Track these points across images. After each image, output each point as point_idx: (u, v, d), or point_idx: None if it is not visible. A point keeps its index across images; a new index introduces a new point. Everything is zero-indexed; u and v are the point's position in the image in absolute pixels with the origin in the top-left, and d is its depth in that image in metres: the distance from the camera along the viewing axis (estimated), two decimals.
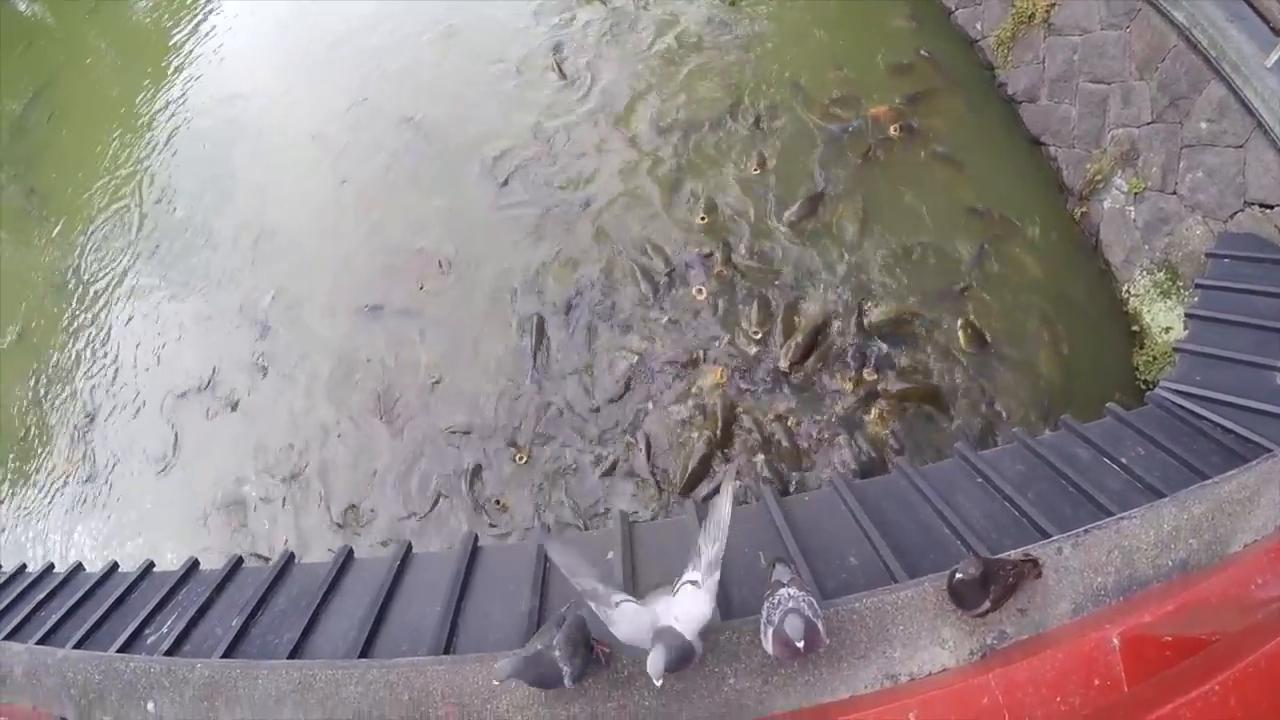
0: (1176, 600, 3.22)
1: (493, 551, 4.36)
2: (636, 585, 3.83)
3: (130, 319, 9.54)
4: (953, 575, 3.03)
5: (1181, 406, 5.38)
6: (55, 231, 10.81)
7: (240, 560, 4.87)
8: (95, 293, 9.93)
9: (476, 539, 4.39)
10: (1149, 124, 7.06)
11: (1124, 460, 4.71)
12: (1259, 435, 4.85)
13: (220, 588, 4.61)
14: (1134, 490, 4.49)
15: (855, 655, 3.04)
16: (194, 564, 4.95)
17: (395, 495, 7.36)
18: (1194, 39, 6.49)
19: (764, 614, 2.81)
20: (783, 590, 2.81)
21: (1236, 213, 6.27)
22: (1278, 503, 3.80)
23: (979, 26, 9.55)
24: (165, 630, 4.33)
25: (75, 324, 9.75)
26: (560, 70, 10.25)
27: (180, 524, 7.78)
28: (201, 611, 4.40)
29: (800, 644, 2.62)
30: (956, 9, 9.99)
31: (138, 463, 8.32)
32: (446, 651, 3.58)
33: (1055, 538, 3.53)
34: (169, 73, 12.68)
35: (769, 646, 2.78)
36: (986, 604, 2.99)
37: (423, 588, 4.14)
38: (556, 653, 2.74)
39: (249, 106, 11.47)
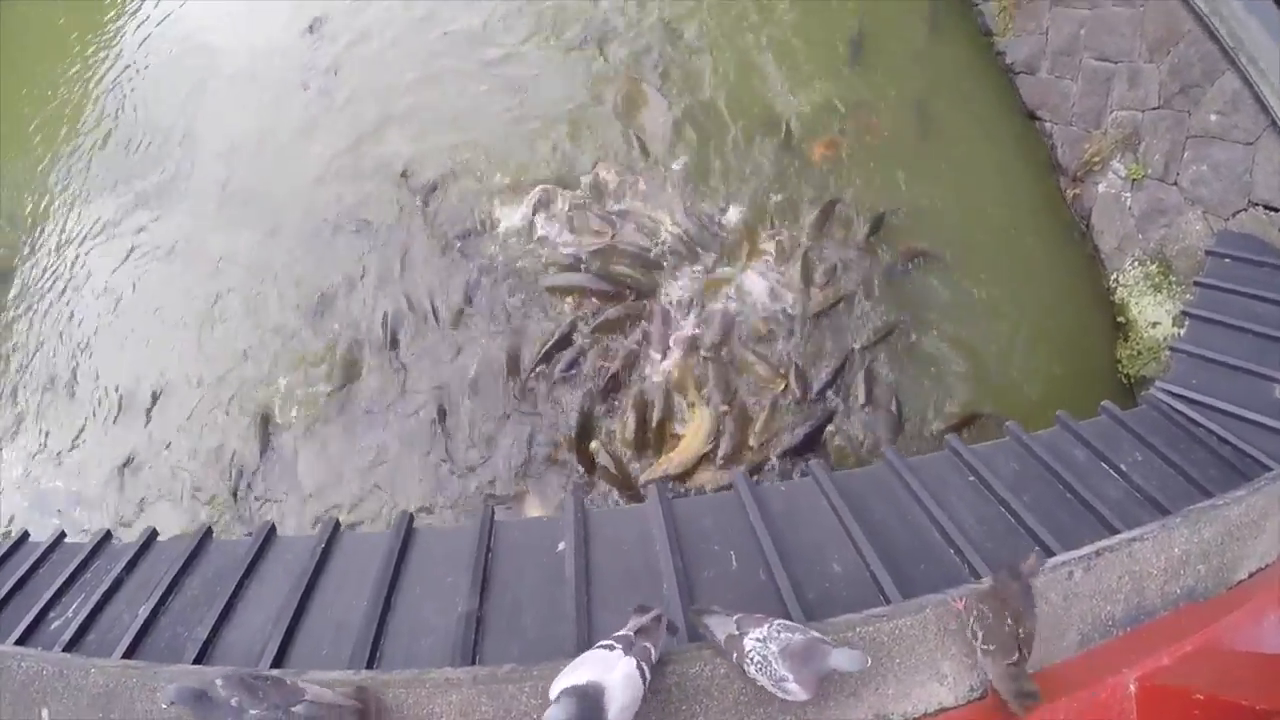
0: (1193, 641, 2.95)
1: (430, 535, 3.86)
2: (591, 584, 3.38)
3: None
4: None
5: (1178, 410, 5.16)
6: None
7: (155, 533, 4.36)
8: None
9: (411, 519, 3.90)
10: (1155, 109, 6.73)
11: (1122, 467, 4.48)
12: (1258, 450, 4.69)
13: (132, 564, 4.10)
14: (1133, 501, 4.26)
15: (845, 693, 2.64)
16: (106, 535, 4.45)
17: None
18: (1212, 26, 6.16)
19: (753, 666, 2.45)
20: (750, 642, 2.46)
21: (1239, 211, 6.01)
22: None
23: None
24: (70, 614, 3.84)
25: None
26: None
27: None
28: (110, 593, 3.90)
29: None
30: None
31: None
32: (370, 662, 3.11)
33: (1064, 559, 3.20)
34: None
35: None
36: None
37: (350, 576, 3.66)
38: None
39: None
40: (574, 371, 6.73)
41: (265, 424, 6.91)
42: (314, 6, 9.91)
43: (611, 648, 2.39)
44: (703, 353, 6.73)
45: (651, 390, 6.61)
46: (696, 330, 6.87)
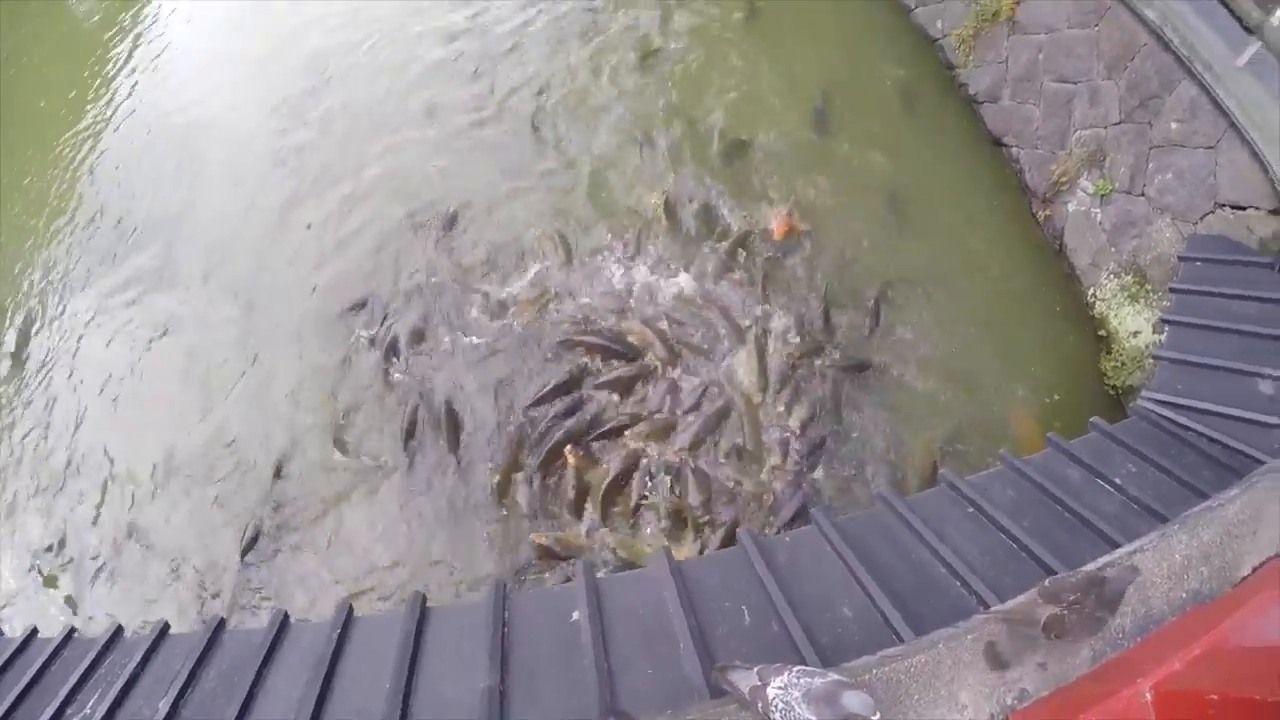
0: (1201, 644, 3.01)
1: (445, 613, 3.88)
2: (610, 650, 3.42)
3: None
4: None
5: (1166, 417, 5.25)
6: None
7: (167, 626, 4.34)
8: None
9: (425, 600, 3.92)
10: (1117, 124, 6.91)
11: (1117, 480, 4.55)
12: (1248, 445, 4.77)
13: (146, 659, 4.09)
14: (1131, 512, 4.33)
15: None
16: (118, 631, 4.42)
17: None
18: (1165, 37, 6.37)
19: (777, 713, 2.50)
20: (773, 690, 2.53)
21: (1207, 214, 6.15)
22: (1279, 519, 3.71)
23: (939, 25, 9.33)
24: (89, 712, 3.82)
25: None
26: None
27: None
28: (127, 688, 3.89)
29: None
30: (915, 7, 9.78)
31: None
32: None
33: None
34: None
35: None
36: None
37: (368, 657, 3.67)
38: None
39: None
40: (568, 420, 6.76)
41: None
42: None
43: None
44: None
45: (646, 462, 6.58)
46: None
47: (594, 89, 9.42)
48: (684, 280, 7.53)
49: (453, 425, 6.92)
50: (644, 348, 7.08)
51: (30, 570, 7.15)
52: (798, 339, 7.09)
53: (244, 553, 6.70)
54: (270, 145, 9.88)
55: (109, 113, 11.29)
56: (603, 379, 6.96)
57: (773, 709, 2.51)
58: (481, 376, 7.23)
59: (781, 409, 6.70)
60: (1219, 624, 3.11)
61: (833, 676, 2.52)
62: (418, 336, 7.58)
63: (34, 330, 8.87)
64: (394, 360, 7.47)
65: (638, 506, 6.37)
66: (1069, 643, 2.95)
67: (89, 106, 11.52)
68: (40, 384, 8.36)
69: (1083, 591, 2.88)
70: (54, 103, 11.74)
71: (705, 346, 7.11)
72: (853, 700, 2.38)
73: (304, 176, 9.39)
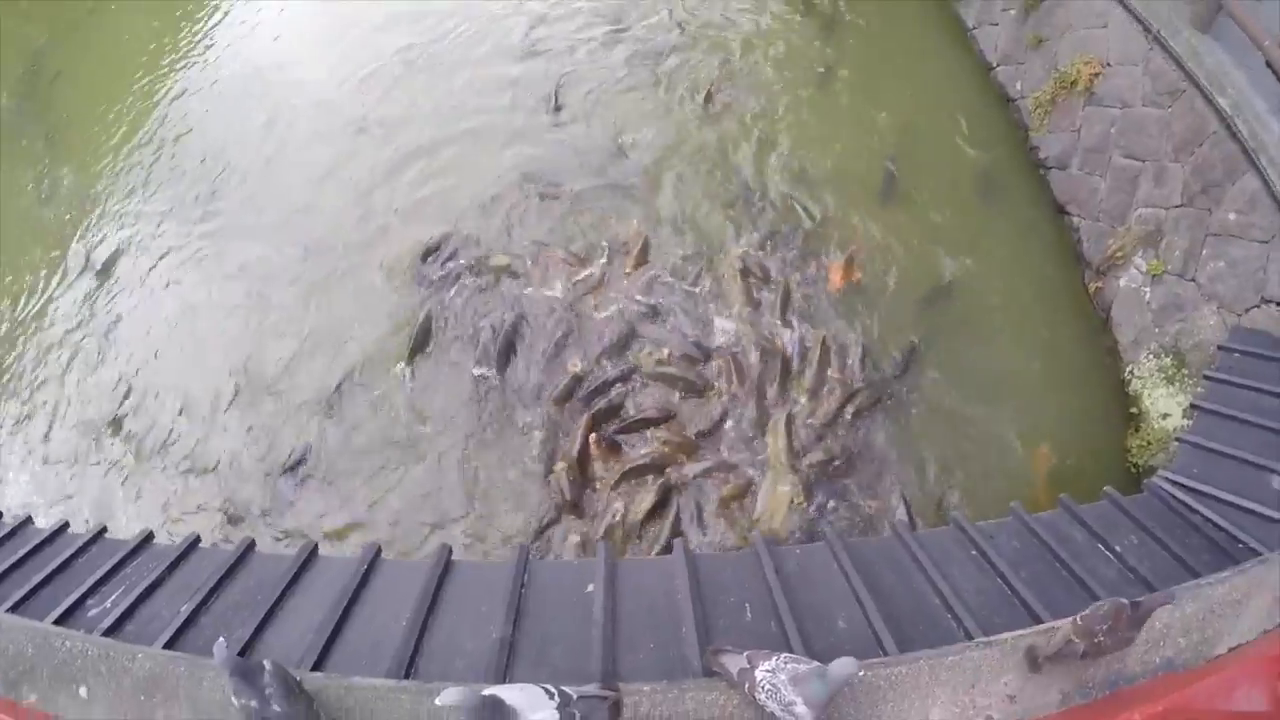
0: (1164, 701, 3.19)
1: (467, 568, 4.15)
2: (617, 624, 3.66)
3: None
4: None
5: (1178, 498, 5.33)
6: None
7: (197, 538, 4.63)
8: None
9: (450, 552, 4.18)
10: (1178, 207, 7.00)
11: (1118, 548, 4.66)
12: (1251, 537, 4.83)
13: (174, 566, 4.36)
14: (1126, 580, 4.44)
15: None
16: (149, 536, 4.71)
17: None
18: (1235, 127, 6.45)
19: (763, 694, 2.72)
20: (761, 673, 2.75)
21: (1253, 308, 6.22)
22: (1265, 609, 3.84)
23: (1019, 86, 9.46)
24: (109, 605, 4.08)
25: None
26: None
27: None
28: (151, 589, 4.15)
29: None
30: (998, 65, 9.91)
31: None
32: (408, 675, 3.38)
33: (1051, 625, 3.47)
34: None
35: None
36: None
37: (389, 598, 3.94)
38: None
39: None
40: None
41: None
42: None
43: (551, 695, 2.60)
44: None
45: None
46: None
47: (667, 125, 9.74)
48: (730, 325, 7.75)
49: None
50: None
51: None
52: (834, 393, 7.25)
53: (286, 469, 7.10)
54: (356, 113, 10.30)
55: (206, 58, 11.82)
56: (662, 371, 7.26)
57: (759, 689, 2.74)
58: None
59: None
60: (1186, 688, 3.30)
61: (816, 664, 2.72)
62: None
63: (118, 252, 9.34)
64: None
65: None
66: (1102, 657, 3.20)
67: (184, 44, 12.06)
68: (119, 299, 8.83)
69: (1114, 620, 3.09)
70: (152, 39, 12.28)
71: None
72: (838, 667, 2.60)
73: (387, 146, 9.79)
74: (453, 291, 8.04)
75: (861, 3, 11.04)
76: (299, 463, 7.11)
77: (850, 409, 7.09)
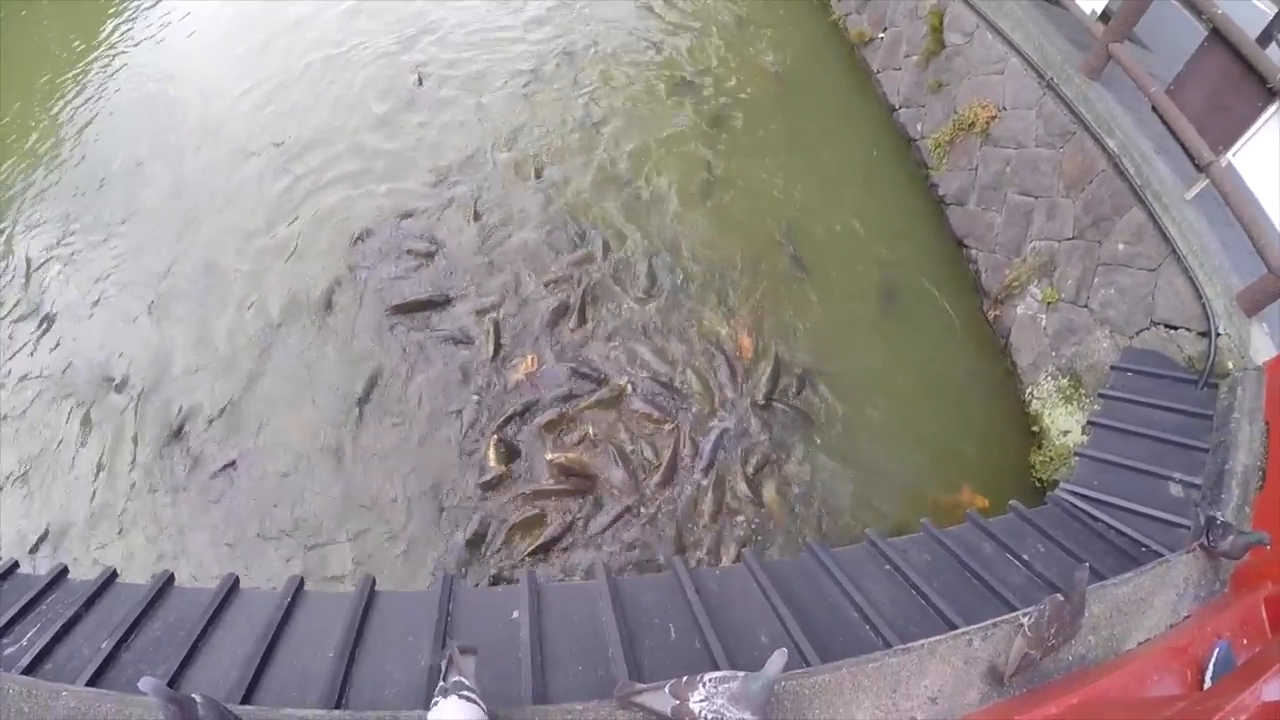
0: (1079, 694, 3.36)
1: (392, 598, 4.14)
2: (544, 647, 3.72)
3: None
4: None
5: (1080, 508, 5.63)
6: None
7: (115, 573, 4.48)
8: None
9: (374, 582, 4.18)
10: (1070, 239, 7.44)
11: (1025, 556, 4.89)
12: (1152, 540, 5.15)
13: (90, 602, 4.19)
14: (1034, 585, 4.67)
15: None
16: (62, 571, 4.54)
17: None
18: (1122, 166, 6.92)
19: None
20: (697, 705, 2.71)
21: (1143, 330, 6.62)
22: (1169, 605, 4.15)
23: (919, 127, 9.98)
24: (25, 644, 3.90)
25: None
26: None
27: None
28: (68, 627, 3.97)
29: None
30: (900, 108, 10.46)
31: None
32: (339, 706, 3.37)
33: (965, 629, 3.64)
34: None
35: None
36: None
37: (314, 631, 3.88)
38: None
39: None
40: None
41: None
42: None
43: (435, 702, 2.66)
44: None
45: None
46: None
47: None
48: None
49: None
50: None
51: None
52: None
53: None
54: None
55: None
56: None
57: None
58: None
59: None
60: (1100, 680, 3.48)
61: (745, 673, 2.74)
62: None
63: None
64: None
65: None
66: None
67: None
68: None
69: (1058, 618, 3.34)
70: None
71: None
72: (772, 663, 2.63)
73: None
74: None
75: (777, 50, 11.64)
76: None
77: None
